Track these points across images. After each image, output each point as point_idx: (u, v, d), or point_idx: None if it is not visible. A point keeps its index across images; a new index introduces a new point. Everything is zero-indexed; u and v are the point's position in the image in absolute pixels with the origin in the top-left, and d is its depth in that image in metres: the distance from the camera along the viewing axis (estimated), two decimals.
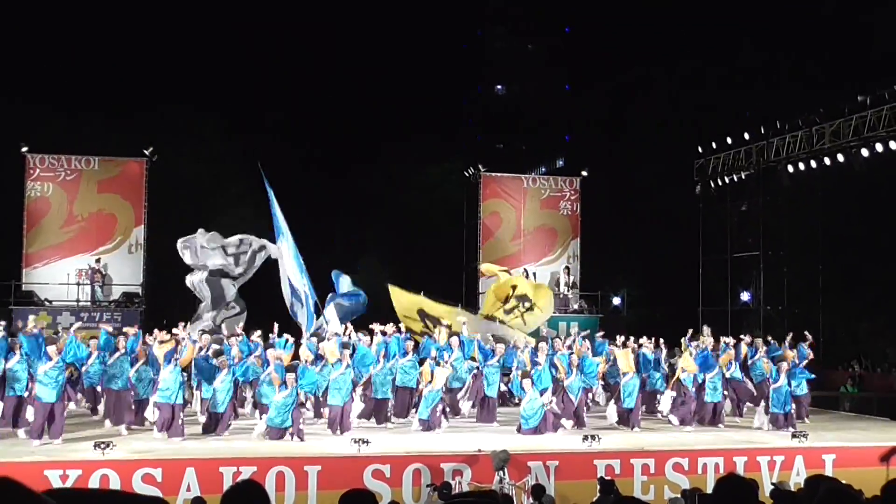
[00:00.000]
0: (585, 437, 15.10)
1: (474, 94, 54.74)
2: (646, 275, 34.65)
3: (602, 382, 20.84)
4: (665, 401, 19.43)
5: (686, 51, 37.27)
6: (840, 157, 25.78)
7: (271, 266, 23.04)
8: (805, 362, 19.75)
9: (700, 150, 30.82)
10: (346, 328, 19.99)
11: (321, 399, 18.40)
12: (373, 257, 33.48)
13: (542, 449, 15.25)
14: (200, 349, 17.71)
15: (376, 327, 19.67)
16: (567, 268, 30.26)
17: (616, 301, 31.80)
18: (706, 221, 31.09)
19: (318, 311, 21.63)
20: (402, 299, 23.12)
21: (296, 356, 18.59)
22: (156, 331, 18.75)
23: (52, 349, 15.37)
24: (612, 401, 18.91)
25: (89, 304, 26.34)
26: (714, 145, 30.18)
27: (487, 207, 30.71)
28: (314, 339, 19.53)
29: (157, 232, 28.33)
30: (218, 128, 34.74)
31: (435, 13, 45.40)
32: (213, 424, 16.42)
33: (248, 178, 27.71)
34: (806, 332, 20.99)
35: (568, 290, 29.81)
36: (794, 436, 16.00)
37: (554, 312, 29.12)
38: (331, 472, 13.64)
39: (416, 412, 17.78)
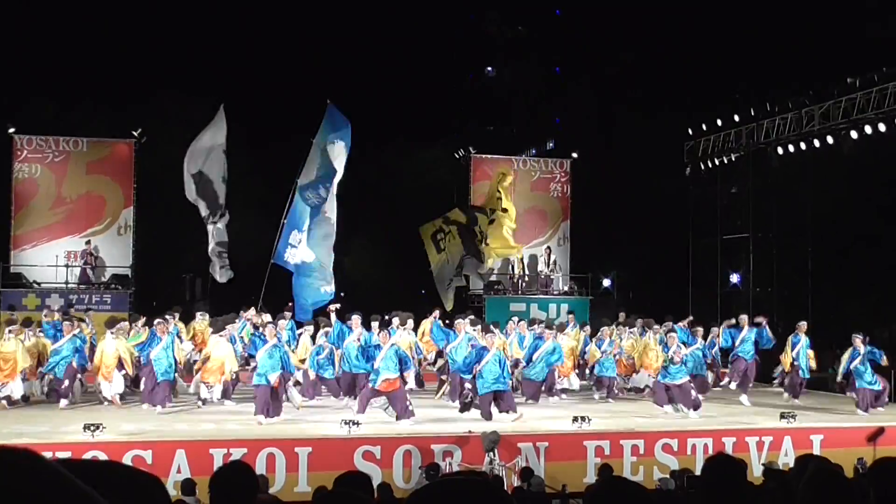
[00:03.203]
0: (575, 419, 15.14)
1: (465, 78, 54.51)
2: (636, 257, 34.64)
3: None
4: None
5: (676, 32, 37.17)
6: (829, 140, 25.81)
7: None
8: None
9: (690, 132, 30.83)
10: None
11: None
12: (363, 239, 33.45)
13: (532, 430, 15.31)
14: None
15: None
16: (548, 248, 30.22)
17: (606, 283, 31.87)
18: (696, 204, 31.13)
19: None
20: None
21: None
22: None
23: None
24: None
25: (78, 286, 26.27)
26: (704, 127, 30.19)
27: (477, 190, 30.68)
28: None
29: (146, 213, 28.30)
30: (207, 111, 34.52)
31: None
32: None
33: (237, 161, 27.60)
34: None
35: (549, 270, 29.81)
36: (782, 416, 16.09)
37: (538, 294, 29.39)
38: (321, 454, 13.67)
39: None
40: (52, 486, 1.43)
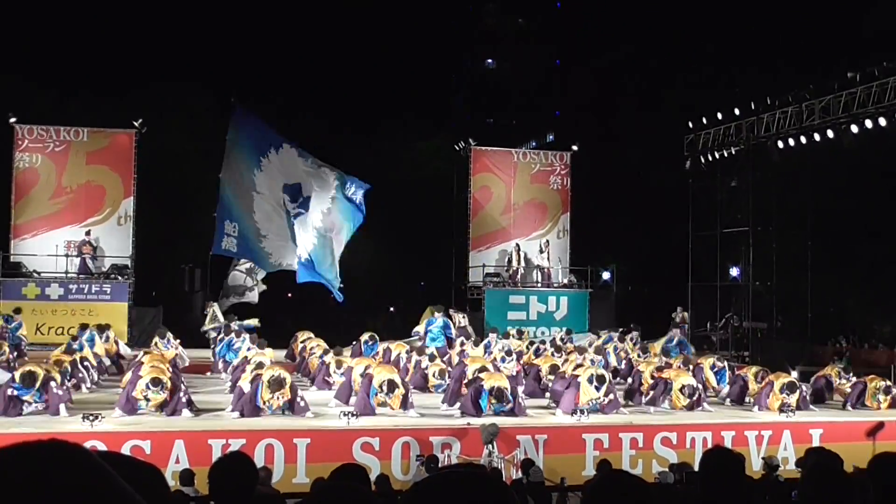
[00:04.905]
0: (574, 412, 15.14)
1: (464, 70, 54.52)
2: (635, 250, 34.68)
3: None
4: None
5: (676, 26, 37.16)
6: (830, 134, 25.78)
7: None
8: None
9: (690, 125, 30.79)
10: None
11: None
12: (362, 231, 33.39)
13: (530, 423, 15.29)
14: None
15: None
16: (546, 241, 30.22)
17: (605, 276, 31.86)
18: (696, 197, 31.10)
19: None
20: None
21: None
22: None
23: None
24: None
25: (77, 276, 26.28)
26: (704, 121, 30.15)
27: (477, 181, 30.66)
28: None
29: (146, 204, 28.29)
30: (207, 102, 34.56)
31: None
32: None
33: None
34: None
35: (547, 262, 29.80)
36: (781, 411, 16.07)
37: (537, 286, 29.42)
38: (320, 445, 13.66)
39: None
40: (98, 482, 1.44)
